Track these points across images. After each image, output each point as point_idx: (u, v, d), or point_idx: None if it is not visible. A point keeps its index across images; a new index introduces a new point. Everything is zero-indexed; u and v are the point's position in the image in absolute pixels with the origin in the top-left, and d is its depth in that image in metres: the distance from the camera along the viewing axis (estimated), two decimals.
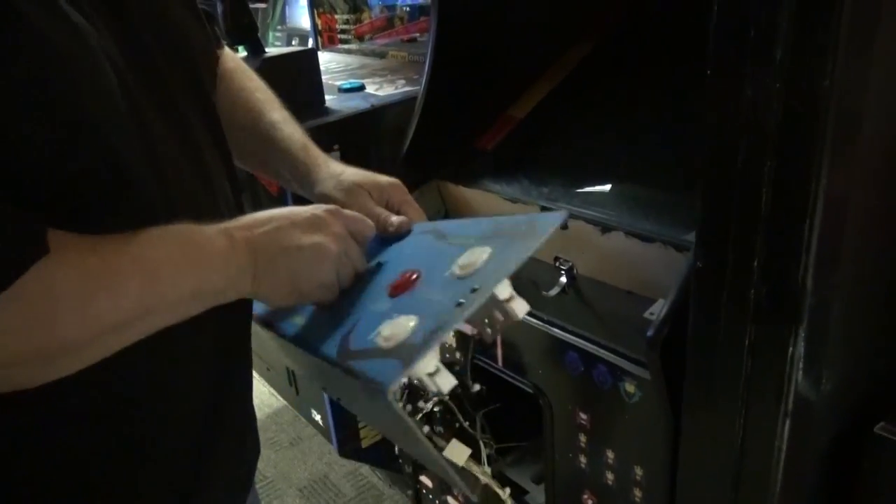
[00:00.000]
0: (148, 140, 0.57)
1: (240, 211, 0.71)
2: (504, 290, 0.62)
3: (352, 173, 0.83)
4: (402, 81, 1.64)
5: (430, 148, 1.30)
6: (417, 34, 2.21)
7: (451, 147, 1.31)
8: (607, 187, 1.11)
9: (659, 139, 1.15)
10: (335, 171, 0.83)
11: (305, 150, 0.84)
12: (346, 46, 2.45)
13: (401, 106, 1.42)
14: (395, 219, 0.80)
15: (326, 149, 0.88)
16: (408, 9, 2.03)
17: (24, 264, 0.46)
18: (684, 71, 1.02)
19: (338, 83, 1.63)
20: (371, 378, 0.57)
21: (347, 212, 0.72)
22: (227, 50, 0.89)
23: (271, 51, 1.43)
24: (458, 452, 0.74)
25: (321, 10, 2.42)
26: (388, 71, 1.83)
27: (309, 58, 1.38)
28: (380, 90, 1.57)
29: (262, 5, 1.82)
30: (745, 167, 0.62)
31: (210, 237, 0.60)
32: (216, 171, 0.69)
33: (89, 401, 0.58)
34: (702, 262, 0.69)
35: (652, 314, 0.90)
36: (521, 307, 0.63)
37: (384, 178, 0.84)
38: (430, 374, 0.58)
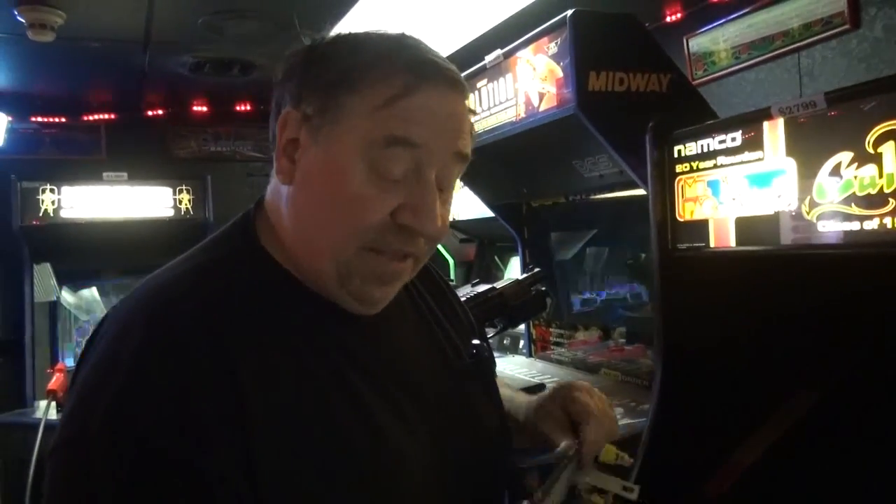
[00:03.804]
0: None
1: None
2: None
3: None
4: (621, 410, 1.72)
5: (655, 491, 1.32)
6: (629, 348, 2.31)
7: (676, 492, 1.33)
8: None
9: None
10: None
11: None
12: (557, 356, 2.62)
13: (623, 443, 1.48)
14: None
15: None
16: (623, 333, 2.18)
17: None
18: None
19: None
20: None
21: None
22: None
23: None
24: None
25: (537, 322, 2.66)
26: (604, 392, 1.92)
27: None
28: None
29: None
30: None
31: None
32: None
33: None
34: None
35: None
36: None
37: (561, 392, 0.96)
38: None
